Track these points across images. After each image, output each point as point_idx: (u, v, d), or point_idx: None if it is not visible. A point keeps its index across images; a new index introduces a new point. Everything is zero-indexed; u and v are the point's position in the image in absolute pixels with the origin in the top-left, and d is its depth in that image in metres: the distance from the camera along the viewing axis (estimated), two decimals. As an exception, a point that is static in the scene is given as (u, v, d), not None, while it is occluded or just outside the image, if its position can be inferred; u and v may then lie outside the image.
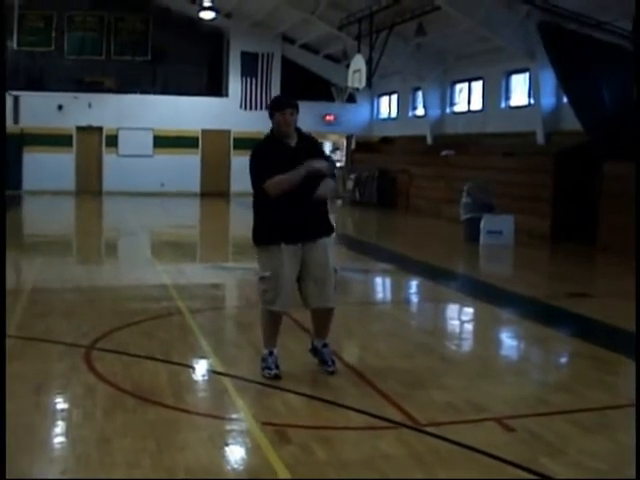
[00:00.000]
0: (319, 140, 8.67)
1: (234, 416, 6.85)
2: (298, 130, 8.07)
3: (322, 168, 7.81)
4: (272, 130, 8.06)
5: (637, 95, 18.70)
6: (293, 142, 7.97)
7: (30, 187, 35.97)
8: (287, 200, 7.71)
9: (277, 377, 7.76)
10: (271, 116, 7.98)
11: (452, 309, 12.89)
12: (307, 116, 37.72)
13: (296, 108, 7.97)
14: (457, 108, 32.65)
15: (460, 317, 12.41)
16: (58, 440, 6.30)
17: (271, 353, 7.96)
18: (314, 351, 8.27)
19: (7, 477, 5.28)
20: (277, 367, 7.86)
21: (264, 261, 7.96)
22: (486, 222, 20.06)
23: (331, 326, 8.31)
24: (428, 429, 6.43)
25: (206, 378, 8.21)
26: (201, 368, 8.43)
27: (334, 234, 8.38)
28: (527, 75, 27.09)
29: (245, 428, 6.56)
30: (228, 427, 6.64)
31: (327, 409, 6.94)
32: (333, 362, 8.11)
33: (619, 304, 12.58)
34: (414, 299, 14.23)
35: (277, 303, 7.86)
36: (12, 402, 6.82)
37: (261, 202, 7.93)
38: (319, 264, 7.98)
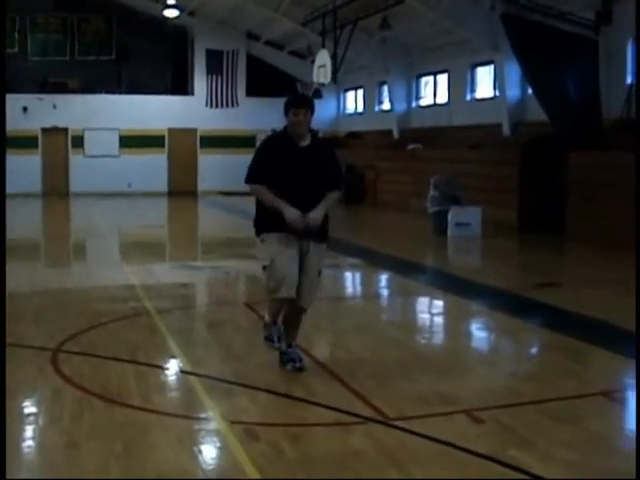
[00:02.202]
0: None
1: (203, 416, 6.81)
2: (312, 132, 7.95)
3: (313, 225, 7.67)
4: (286, 127, 7.89)
5: (637, 92, 18.78)
6: (305, 143, 7.83)
7: (-4, 190, 35.69)
8: (289, 194, 7.62)
9: (277, 349, 7.91)
10: (285, 114, 7.79)
11: (422, 302, 12.90)
12: (273, 113, 37.80)
13: (311, 108, 7.82)
14: (423, 102, 32.67)
15: (430, 310, 12.43)
16: (26, 444, 6.23)
17: (275, 322, 7.89)
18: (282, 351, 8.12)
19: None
20: (279, 338, 7.86)
21: (264, 249, 7.82)
22: (454, 214, 20.11)
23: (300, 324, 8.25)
24: (398, 423, 6.42)
25: (174, 378, 8.16)
26: (169, 368, 8.37)
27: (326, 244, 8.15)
28: (492, 67, 27.13)
29: (214, 427, 6.52)
30: (197, 427, 6.60)
31: (296, 406, 6.92)
32: (300, 360, 8.03)
33: (588, 293, 12.63)
34: (384, 293, 14.23)
35: (282, 290, 7.65)
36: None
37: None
38: (314, 262, 7.89)
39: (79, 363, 8.29)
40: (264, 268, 7.74)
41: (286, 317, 8.05)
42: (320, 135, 8.07)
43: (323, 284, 14.09)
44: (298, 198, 7.61)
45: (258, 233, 7.91)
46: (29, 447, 6.17)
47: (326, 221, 7.99)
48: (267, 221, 7.79)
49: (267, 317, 7.94)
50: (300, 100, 7.96)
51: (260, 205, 7.89)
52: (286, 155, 7.72)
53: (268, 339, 7.86)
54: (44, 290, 13.01)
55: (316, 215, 7.67)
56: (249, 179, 7.79)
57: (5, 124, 8.86)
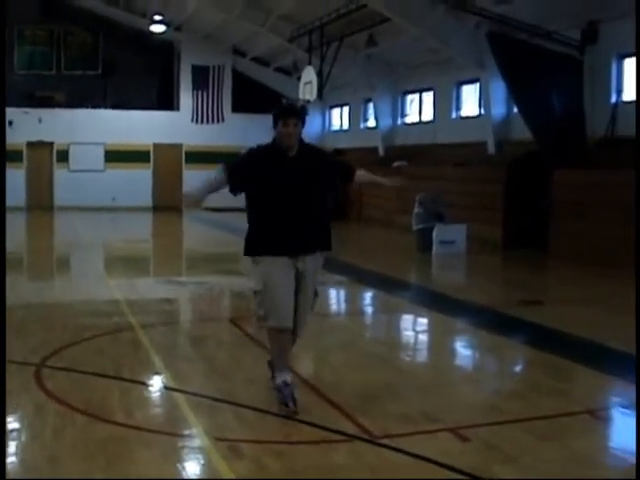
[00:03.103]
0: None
1: (187, 432, 6.76)
2: (301, 142, 7.44)
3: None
4: (274, 139, 7.39)
5: (637, 100, 18.83)
6: (293, 153, 7.32)
7: (-20, 204, 35.64)
8: (282, 208, 7.22)
9: (294, 413, 7.07)
10: (274, 124, 7.28)
11: (406, 320, 12.90)
12: (258, 129, 37.87)
13: (301, 119, 7.32)
14: (408, 119, 32.73)
15: (414, 328, 12.42)
16: (8, 461, 6.18)
17: (286, 384, 7.30)
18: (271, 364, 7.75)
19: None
20: (293, 400, 7.18)
21: (256, 272, 7.37)
22: (438, 232, 20.16)
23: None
24: (383, 441, 6.40)
25: (158, 394, 8.12)
26: (153, 384, 8.34)
27: (326, 253, 7.77)
28: (477, 85, 27.21)
29: (198, 444, 6.48)
30: (181, 443, 6.55)
31: (281, 423, 6.88)
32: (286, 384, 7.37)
33: (571, 311, 12.67)
34: (368, 310, 14.22)
35: (271, 319, 7.25)
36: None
37: (254, 209, 7.38)
38: (306, 285, 7.45)
39: (63, 378, 8.24)
40: (255, 293, 7.39)
41: None
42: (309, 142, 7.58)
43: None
44: (292, 214, 7.23)
45: (250, 253, 7.44)
46: (12, 463, 6.12)
47: (328, 228, 7.62)
48: (261, 242, 7.34)
49: (270, 355, 7.69)
50: (290, 110, 7.35)
51: (254, 223, 7.40)
52: (276, 165, 7.27)
53: (283, 403, 7.18)
54: (27, 304, 12.92)
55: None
56: (229, 179, 7.33)
57: (5, 135, 8.86)
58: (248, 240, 7.44)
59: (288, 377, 7.38)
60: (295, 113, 7.30)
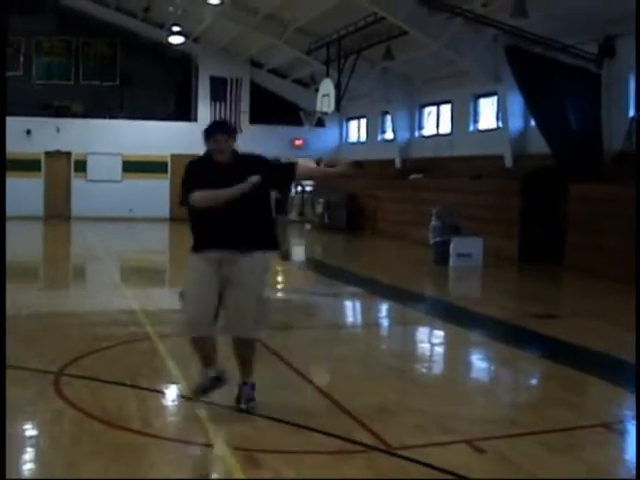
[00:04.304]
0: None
1: (204, 441, 6.80)
2: (236, 154, 7.53)
3: (256, 184, 7.22)
4: (209, 152, 7.53)
5: (637, 106, 18.81)
6: (226, 162, 7.41)
7: (-3, 213, 35.81)
8: (212, 211, 7.30)
9: (203, 391, 7.53)
10: (205, 141, 7.44)
11: (422, 332, 12.91)
12: (276, 140, 38.06)
13: (232, 134, 7.48)
14: (425, 131, 32.76)
15: (430, 340, 12.43)
16: (27, 467, 6.24)
17: (205, 374, 7.60)
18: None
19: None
20: (205, 391, 7.55)
21: (186, 274, 7.64)
22: (455, 245, 20.16)
23: (254, 361, 7.71)
24: (399, 452, 6.42)
25: (175, 403, 8.14)
26: (170, 393, 8.38)
27: (271, 253, 7.80)
28: (495, 98, 27.23)
29: (215, 453, 6.52)
30: (198, 452, 6.60)
31: (298, 433, 6.89)
32: (247, 400, 7.53)
33: (587, 324, 12.68)
34: (384, 322, 14.23)
35: (188, 327, 7.54)
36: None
37: (191, 214, 7.54)
38: (240, 283, 7.35)
39: (81, 387, 8.28)
40: (180, 296, 7.50)
41: (233, 350, 7.69)
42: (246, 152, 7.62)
43: (321, 313, 14.30)
44: (222, 215, 7.29)
45: (192, 249, 7.57)
46: (30, 470, 6.18)
47: (267, 229, 7.68)
48: (194, 238, 7.54)
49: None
50: (219, 127, 7.56)
51: (191, 221, 7.58)
52: (209, 172, 7.37)
53: (196, 391, 7.62)
54: (44, 313, 13.01)
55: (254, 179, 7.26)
56: (185, 193, 7.38)
57: (5, 142, 8.91)
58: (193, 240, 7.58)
59: (211, 372, 7.59)
60: (224, 130, 7.48)
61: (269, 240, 7.66)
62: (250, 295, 7.41)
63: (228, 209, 7.26)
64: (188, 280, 7.56)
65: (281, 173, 7.78)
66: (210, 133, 7.40)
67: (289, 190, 7.07)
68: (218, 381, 7.62)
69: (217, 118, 7.52)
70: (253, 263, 7.43)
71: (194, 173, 7.49)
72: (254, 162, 7.57)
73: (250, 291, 7.41)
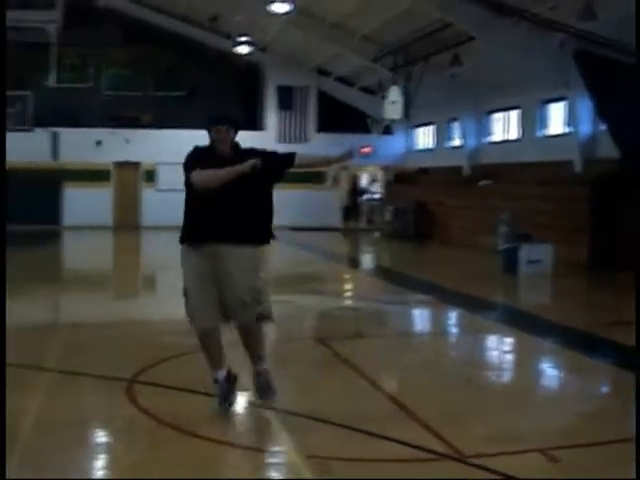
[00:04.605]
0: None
1: (276, 449, 6.84)
2: (237, 147, 7.76)
3: (257, 166, 7.33)
4: (210, 144, 7.74)
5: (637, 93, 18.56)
6: (227, 153, 7.62)
7: (69, 222, 36.34)
8: (208, 197, 7.41)
9: (225, 410, 7.64)
10: (208, 132, 7.68)
11: (492, 340, 12.81)
12: (343, 148, 37.92)
13: (233, 125, 7.70)
14: (493, 138, 32.58)
15: (500, 347, 12.33)
16: (100, 474, 6.31)
17: (216, 380, 7.76)
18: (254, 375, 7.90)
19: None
20: (229, 395, 7.70)
21: (183, 269, 7.76)
22: (525, 252, 19.99)
23: (262, 347, 7.94)
24: (473, 461, 6.37)
25: (247, 411, 8.17)
26: (242, 401, 8.41)
27: (264, 247, 7.87)
28: (563, 104, 27.00)
29: (288, 461, 6.54)
30: (271, 460, 6.63)
31: (370, 441, 6.88)
32: (272, 393, 7.75)
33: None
34: (453, 330, 14.18)
35: (195, 321, 7.71)
36: (53, 436, 6.90)
37: (187, 201, 7.65)
38: (234, 275, 7.47)
39: (152, 394, 8.37)
40: (184, 292, 7.63)
41: (241, 341, 7.91)
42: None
43: (391, 321, 14.28)
44: (226, 201, 7.42)
45: (181, 241, 7.74)
46: (104, 477, 6.25)
47: (266, 219, 7.83)
48: (187, 228, 7.65)
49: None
50: (220, 117, 7.75)
51: (185, 210, 7.68)
52: (211, 161, 7.50)
53: (219, 396, 7.74)
54: (114, 321, 13.16)
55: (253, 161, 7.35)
56: (187, 174, 7.48)
57: (5, 142, 9.03)
58: (182, 226, 7.70)
59: (221, 374, 7.78)
60: (226, 120, 7.69)
61: (263, 235, 7.81)
62: (244, 285, 7.49)
63: (227, 200, 7.40)
64: (187, 276, 7.66)
65: (281, 160, 7.88)
66: (212, 123, 7.63)
67: (283, 173, 7.10)
68: (230, 381, 7.80)
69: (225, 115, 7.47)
70: (246, 255, 7.55)
71: (197, 158, 7.61)
72: (254, 153, 7.66)
73: (244, 281, 7.49)
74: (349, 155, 7.99)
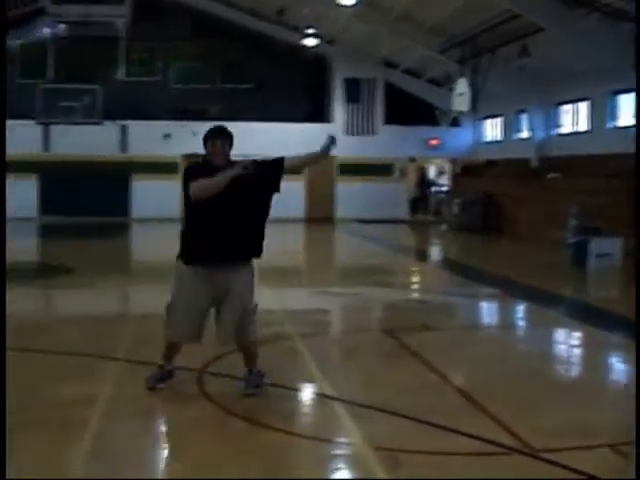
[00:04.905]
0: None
1: (345, 440, 6.85)
2: (229, 161, 8.00)
3: (249, 169, 7.70)
4: (206, 156, 8.06)
5: (637, 93, 18.22)
6: (223, 165, 7.87)
7: (137, 214, 36.71)
8: (208, 215, 7.72)
9: (151, 388, 8.08)
10: (204, 145, 8.02)
11: (560, 333, 12.70)
12: (411, 140, 38.00)
13: (228, 140, 8.03)
14: (562, 130, 32.25)
15: (569, 341, 12.22)
16: (169, 463, 6.39)
17: (161, 367, 8.26)
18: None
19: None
20: (158, 382, 8.14)
21: (174, 282, 8.11)
22: (595, 245, 19.79)
23: (255, 353, 8.31)
24: (543, 455, 6.34)
25: (316, 402, 8.22)
26: (311, 392, 8.46)
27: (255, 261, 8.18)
28: (634, 94, 26.62)
29: (356, 452, 6.56)
30: (339, 451, 6.65)
31: (439, 434, 6.88)
32: (255, 386, 8.10)
33: None
34: (521, 323, 14.09)
35: (167, 330, 8.21)
36: (121, 425, 7.01)
37: (186, 216, 7.98)
38: (234, 297, 7.90)
39: (222, 384, 8.45)
40: (167, 307, 8.10)
41: (238, 349, 8.40)
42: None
43: (458, 313, 14.25)
44: (226, 220, 7.72)
45: (181, 259, 8.00)
46: (172, 466, 6.32)
47: (257, 240, 8.09)
48: (187, 249, 7.94)
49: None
50: (216, 132, 8.06)
51: (185, 228, 7.99)
52: (206, 171, 7.78)
53: (151, 379, 8.20)
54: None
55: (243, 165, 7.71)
56: (188, 185, 7.71)
57: (5, 142, 9.14)
58: (180, 243, 8.02)
59: (168, 367, 8.28)
60: (220, 135, 8.03)
61: (259, 250, 8.14)
62: (242, 306, 7.95)
63: (226, 216, 7.72)
64: (179, 292, 8.02)
65: (271, 166, 8.24)
66: (208, 138, 7.99)
67: (279, 180, 7.41)
68: (171, 374, 8.29)
69: (215, 127, 7.73)
70: (246, 274, 8.03)
71: (194, 173, 7.85)
72: (247, 162, 7.90)
73: (242, 302, 7.95)
74: (331, 142, 8.28)
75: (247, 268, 8.01)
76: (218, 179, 7.61)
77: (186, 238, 7.95)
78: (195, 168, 8.03)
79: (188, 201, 7.77)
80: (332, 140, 8.22)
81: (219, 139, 7.97)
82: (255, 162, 7.96)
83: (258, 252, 8.08)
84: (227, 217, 7.72)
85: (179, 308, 7.95)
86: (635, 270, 12.94)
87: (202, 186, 7.62)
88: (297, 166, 8.84)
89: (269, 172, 8.16)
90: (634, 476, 5.85)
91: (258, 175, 7.85)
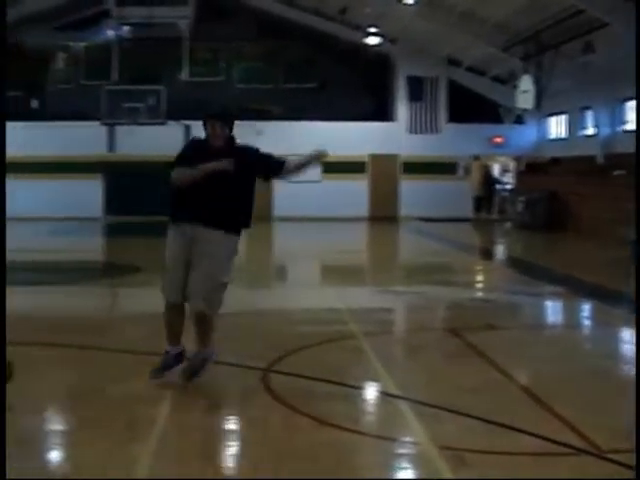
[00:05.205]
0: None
1: (410, 439, 6.84)
2: (232, 141, 8.12)
3: (227, 167, 7.76)
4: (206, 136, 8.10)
5: (636, 96, 17.89)
6: (220, 148, 7.97)
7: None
8: (194, 186, 7.85)
9: (154, 379, 8.09)
10: (204, 127, 8.03)
11: (627, 333, 12.54)
12: (474, 138, 37.79)
13: (228, 121, 8.03)
14: (628, 126, 31.87)
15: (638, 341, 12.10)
16: (236, 461, 6.42)
17: (167, 352, 8.21)
18: None
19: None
20: (165, 369, 8.15)
21: (167, 245, 8.17)
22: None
23: (209, 335, 8.25)
24: (611, 456, 6.25)
25: (381, 401, 8.22)
26: (376, 391, 8.46)
27: (234, 236, 8.19)
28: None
29: (421, 451, 6.54)
30: (404, 450, 6.64)
31: (505, 434, 6.82)
32: (192, 373, 8.10)
33: None
34: (587, 322, 13.97)
35: (165, 292, 8.18)
36: (190, 423, 7.06)
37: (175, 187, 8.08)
38: (200, 261, 7.88)
39: (288, 383, 8.47)
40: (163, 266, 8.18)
41: (193, 324, 8.26)
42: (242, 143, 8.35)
43: (523, 312, 14.15)
44: (200, 192, 7.81)
45: (169, 221, 8.16)
46: (238, 462, 6.36)
47: (237, 214, 8.17)
48: (171, 209, 8.10)
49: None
50: (216, 114, 8.05)
51: (172, 193, 8.09)
52: (202, 152, 7.92)
53: (157, 367, 8.19)
54: (248, 310, 13.31)
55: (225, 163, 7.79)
56: (171, 168, 8.00)
57: (5, 142, 9.25)
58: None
59: (174, 350, 8.21)
60: (219, 117, 8.01)
61: (236, 224, 8.16)
62: (207, 273, 7.89)
63: (208, 187, 7.79)
64: (167, 253, 8.14)
65: (271, 165, 8.41)
66: (207, 119, 7.97)
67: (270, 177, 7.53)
68: (180, 357, 8.24)
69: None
70: (214, 240, 7.92)
71: (190, 151, 8.13)
72: (248, 152, 8.25)
73: (208, 269, 7.89)
74: (318, 155, 8.67)
75: (221, 237, 7.96)
76: (196, 174, 7.79)
77: (171, 200, 8.10)
78: (193, 145, 8.28)
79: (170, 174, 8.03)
80: (319, 155, 8.56)
81: (219, 121, 7.97)
82: (257, 155, 8.26)
83: (230, 224, 8.07)
84: (206, 187, 7.79)
85: (167, 266, 8.13)
86: (635, 270, 12.77)
87: (181, 176, 7.89)
88: (290, 173, 8.71)
89: (266, 167, 8.35)
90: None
91: (246, 166, 7.98)
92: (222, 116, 8.05)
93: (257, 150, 8.33)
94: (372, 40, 36.38)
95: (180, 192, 7.97)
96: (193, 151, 8.09)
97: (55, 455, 6.53)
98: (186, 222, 7.90)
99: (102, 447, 6.41)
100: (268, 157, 8.42)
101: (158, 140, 35.55)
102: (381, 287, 16.93)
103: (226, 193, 7.90)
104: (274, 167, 8.40)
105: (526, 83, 30.51)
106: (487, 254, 26.92)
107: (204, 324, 8.18)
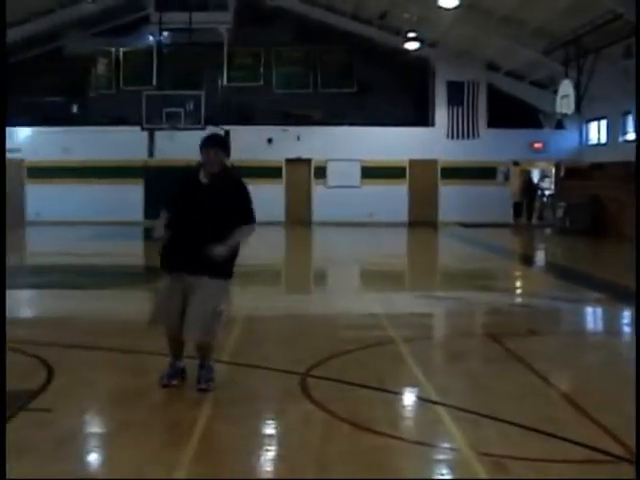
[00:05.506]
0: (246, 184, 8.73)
1: (449, 445, 6.82)
2: (224, 169, 8.44)
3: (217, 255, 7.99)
4: (201, 163, 8.42)
5: (636, 95, 17.69)
6: (209, 180, 8.30)
7: (242, 218, 36.99)
8: (182, 228, 8.14)
9: (164, 386, 8.27)
10: (200, 152, 8.37)
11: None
12: (514, 144, 37.62)
13: (223, 148, 8.42)
14: (670, 131, 31.60)
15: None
16: (275, 465, 6.44)
17: (171, 365, 8.46)
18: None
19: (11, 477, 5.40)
20: (170, 379, 8.35)
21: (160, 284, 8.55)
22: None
23: (210, 352, 8.47)
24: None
25: (420, 407, 8.21)
26: (415, 397, 8.46)
27: (224, 280, 8.33)
28: None
29: (461, 458, 6.52)
30: (443, 456, 6.63)
31: (545, 441, 6.79)
32: (206, 381, 8.25)
33: None
34: (628, 329, 13.83)
35: (151, 319, 8.43)
36: (229, 427, 7.09)
37: (169, 230, 8.28)
38: (202, 296, 8.04)
39: (327, 388, 8.49)
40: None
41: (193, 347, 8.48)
42: (235, 171, 8.97)
43: (564, 319, 14.07)
44: (196, 231, 8.07)
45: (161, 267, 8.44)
46: (278, 468, 6.36)
47: (229, 258, 8.25)
48: (163, 258, 8.35)
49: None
50: (211, 141, 8.45)
51: (165, 240, 8.32)
52: (189, 192, 8.34)
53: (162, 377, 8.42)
54: (287, 315, 13.38)
55: (219, 250, 7.97)
56: (161, 208, 8.46)
57: (5, 141, 9.30)
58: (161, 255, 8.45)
59: (178, 364, 8.46)
60: (215, 144, 8.44)
61: (221, 268, 8.19)
62: (207, 307, 8.11)
63: (195, 236, 8.08)
64: (160, 287, 8.58)
65: (241, 212, 8.44)
66: (203, 146, 8.37)
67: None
68: (181, 373, 8.48)
69: (218, 136, 7.94)
70: (204, 284, 8.09)
71: (175, 194, 8.54)
72: (231, 185, 8.48)
73: (210, 304, 8.13)
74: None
75: (208, 283, 8.13)
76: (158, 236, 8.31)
77: (165, 246, 8.35)
78: (177, 191, 8.57)
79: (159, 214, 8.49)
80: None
81: (213, 148, 8.33)
82: (237, 194, 8.44)
83: (223, 272, 8.25)
84: (192, 232, 8.11)
85: (157, 303, 8.55)
86: (635, 270, 12.62)
87: (155, 231, 8.35)
88: (242, 235, 8.61)
89: (234, 211, 8.38)
90: None
91: (227, 205, 8.26)
92: (216, 144, 8.45)
93: (239, 188, 8.55)
94: (411, 45, 36.31)
95: (170, 240, 8.26)
96: (180, 191, 8.47)
97: (94, 457, 6.60)
98: (178, 272, 8.20)
99: (142, 450, 6.46)
100: (246, 207, 8.55)
101: (198, 145, 35.68)
102: (421, 292, 16.89)
103: (210, 238, 8.04)
104: (241, 219, 8.45)
105: (566, 88, 30.32)
106: (527, 260, 26.79)
107: (205, 348, 8.42)
